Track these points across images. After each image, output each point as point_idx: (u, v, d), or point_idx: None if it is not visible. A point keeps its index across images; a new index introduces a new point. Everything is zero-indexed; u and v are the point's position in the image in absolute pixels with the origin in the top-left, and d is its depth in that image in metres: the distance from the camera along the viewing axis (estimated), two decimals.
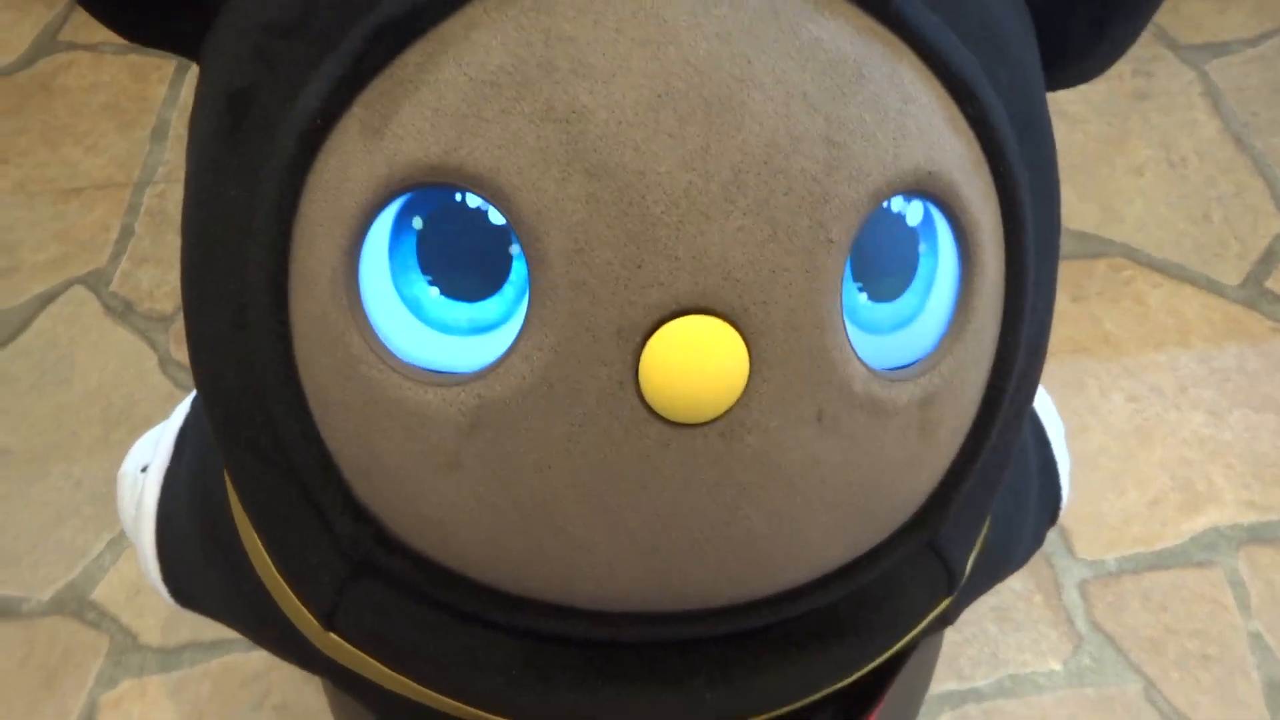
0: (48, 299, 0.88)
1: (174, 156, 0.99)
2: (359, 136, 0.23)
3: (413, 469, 0.24)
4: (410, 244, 0.24)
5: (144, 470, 0.37)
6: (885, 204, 0.25)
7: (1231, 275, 0.86)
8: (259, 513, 0.30)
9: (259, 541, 0.30)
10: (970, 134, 0.26)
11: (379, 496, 0.26)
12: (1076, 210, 0.90)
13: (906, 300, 0.26)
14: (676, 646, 0.28)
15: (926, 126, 0.25)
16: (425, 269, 0.24)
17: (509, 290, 0.23)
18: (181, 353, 0.83)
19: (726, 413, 0.23)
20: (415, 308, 0.24)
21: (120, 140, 1.00)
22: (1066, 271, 0.86)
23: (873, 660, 0.31)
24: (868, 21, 0.24)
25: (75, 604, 0.72)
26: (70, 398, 0.82)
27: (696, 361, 0.22)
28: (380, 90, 0.23)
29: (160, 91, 1.05)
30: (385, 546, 0.26)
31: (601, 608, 0.27)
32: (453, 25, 0.23)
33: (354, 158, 0.23)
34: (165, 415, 0.79)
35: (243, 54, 0.25)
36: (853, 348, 0.25)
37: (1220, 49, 1.03)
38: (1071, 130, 0.95)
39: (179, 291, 0.84)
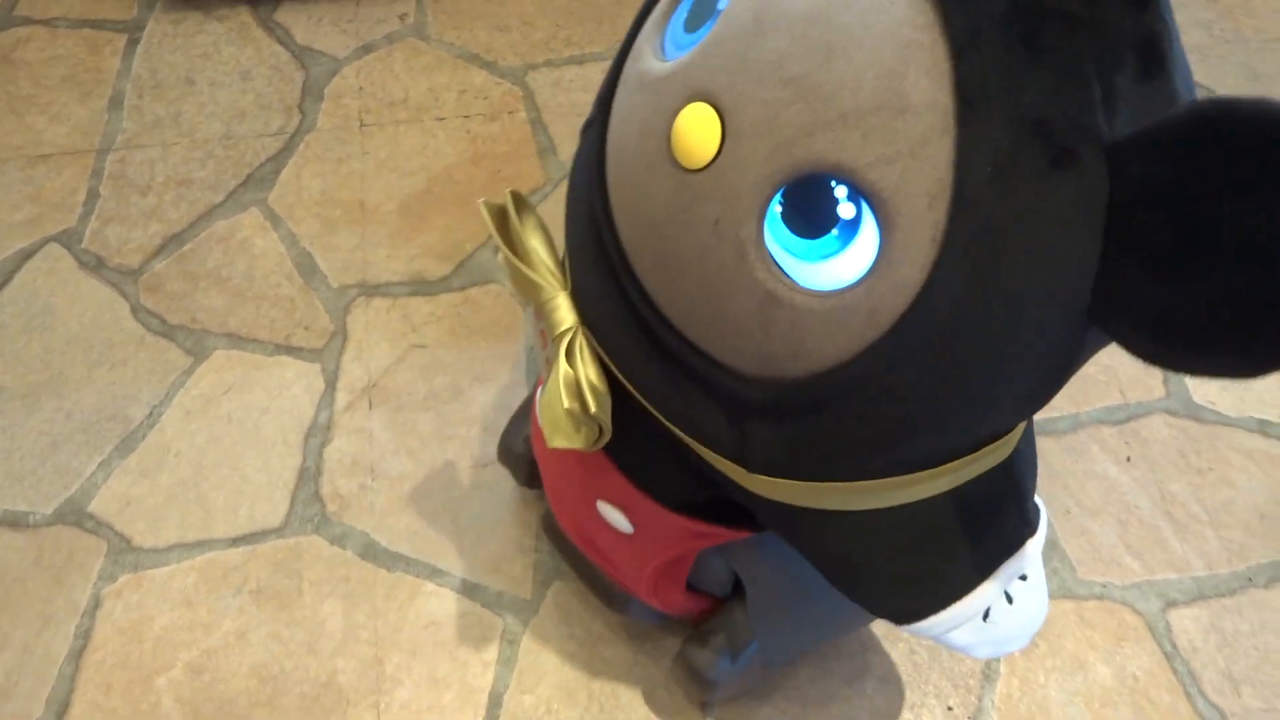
0: (27, 254, 0.96)
1: (131, 125, 1.05)
2: None
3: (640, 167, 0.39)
4: None
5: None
6: (829, 176, 0.33)
7: None
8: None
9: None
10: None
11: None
12: None
13: (821, 243, 0.35)
14: (652, 321, 0.41)
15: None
16: None
17: None
18: (150, 301, 0.93)
19: (702, 169, 0.35)
20: None
21: (80, 109, 1.06)
22: None
23: (682, 423, 0.43)
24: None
25: (75, 515, 0.82)
26: (55, 342, 0.91)
27: (695, 118, 0.35)
28: None
29: (114, 64, 1.10)
30: (607, 219, 0.41)
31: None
32: None
33: None
34: (140, 358, 0.90)
35: None
36: (763, 210, 0.34)
37: None
38: None
39: (144, 247, 0.94)
